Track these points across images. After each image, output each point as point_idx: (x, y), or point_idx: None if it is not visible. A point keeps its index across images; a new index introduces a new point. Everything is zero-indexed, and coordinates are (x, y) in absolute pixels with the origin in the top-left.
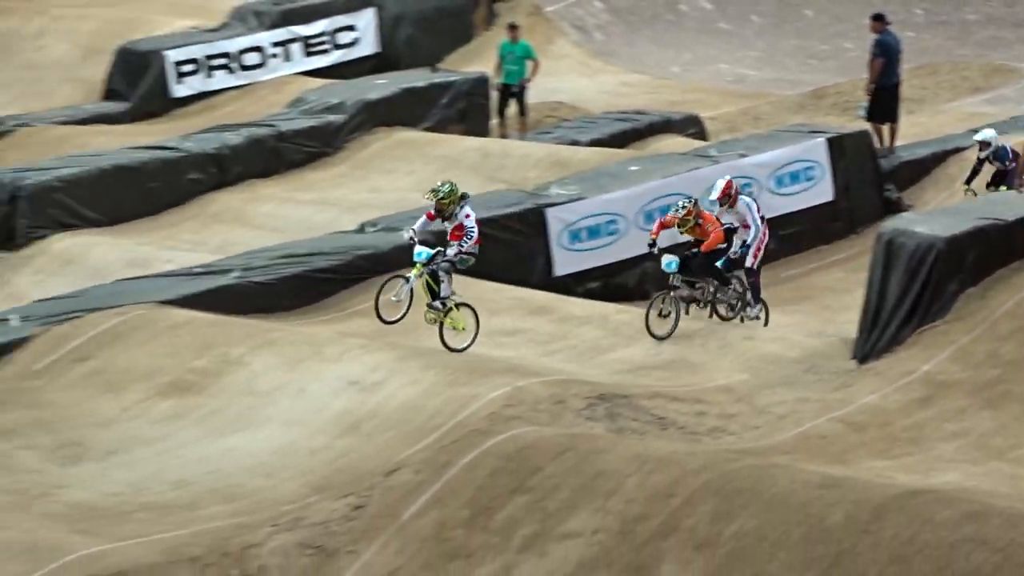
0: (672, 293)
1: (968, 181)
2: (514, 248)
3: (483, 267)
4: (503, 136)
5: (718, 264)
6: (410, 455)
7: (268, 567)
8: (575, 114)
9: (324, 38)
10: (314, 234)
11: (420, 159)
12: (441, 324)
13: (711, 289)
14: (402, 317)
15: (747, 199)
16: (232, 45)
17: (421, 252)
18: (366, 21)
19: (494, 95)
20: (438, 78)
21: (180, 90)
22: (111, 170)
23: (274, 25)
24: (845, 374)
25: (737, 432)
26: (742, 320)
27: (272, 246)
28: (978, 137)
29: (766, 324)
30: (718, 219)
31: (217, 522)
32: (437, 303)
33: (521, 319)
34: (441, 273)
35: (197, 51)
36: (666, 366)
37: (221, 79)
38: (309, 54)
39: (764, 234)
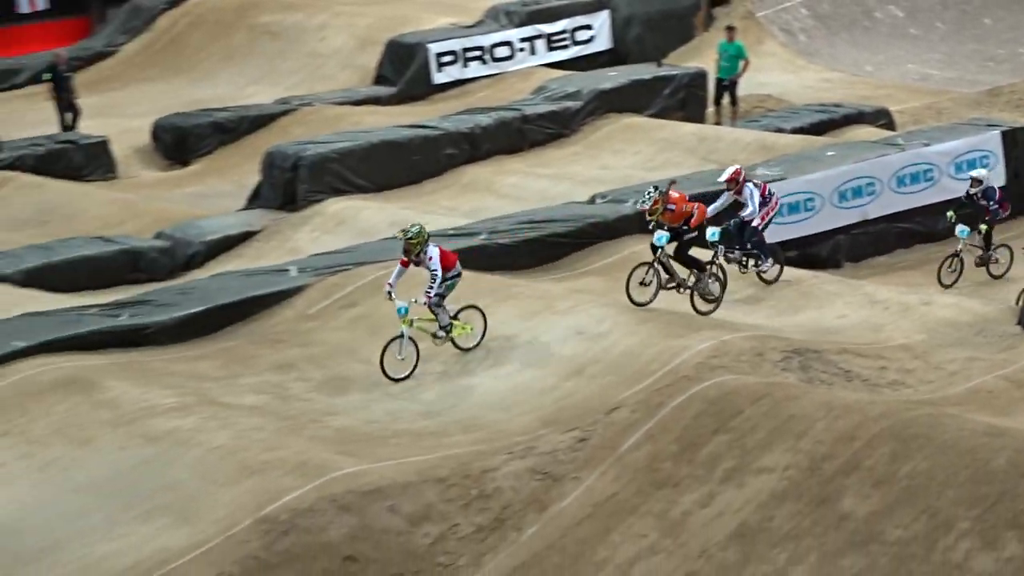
0: (655, 265)
1: (956, 210)
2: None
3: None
4: (717, 123)
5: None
6: (628, 396)
7: (503, 489)
8: (780, 105)
9: (565, 35)
10: (551, 204)
11: (644, 141)
12: (452, 340)
13: (691, 279)
14: (411, 372)
15: (751, 185)
16: (486, 40)
17: (401, 307)
18: (601, 21)
19: (711, 87)
20: (662, 71)
21: (440, 77)
22: (379, 144)
23: (522, 23)
24: (1011, 337)
25: (914, 385)
26: (760, 276)
27: (515, 213)
28: (973, 173)
29: (781, 272)
30: (682, 195)
31: (460, 449)
32: (440, 332)
33: (728, 281)
34: (433, 308)
35: (456, 44)
36: (852, 326)
37: (475, 69)
38: (551, 49)
39: (775, 204)
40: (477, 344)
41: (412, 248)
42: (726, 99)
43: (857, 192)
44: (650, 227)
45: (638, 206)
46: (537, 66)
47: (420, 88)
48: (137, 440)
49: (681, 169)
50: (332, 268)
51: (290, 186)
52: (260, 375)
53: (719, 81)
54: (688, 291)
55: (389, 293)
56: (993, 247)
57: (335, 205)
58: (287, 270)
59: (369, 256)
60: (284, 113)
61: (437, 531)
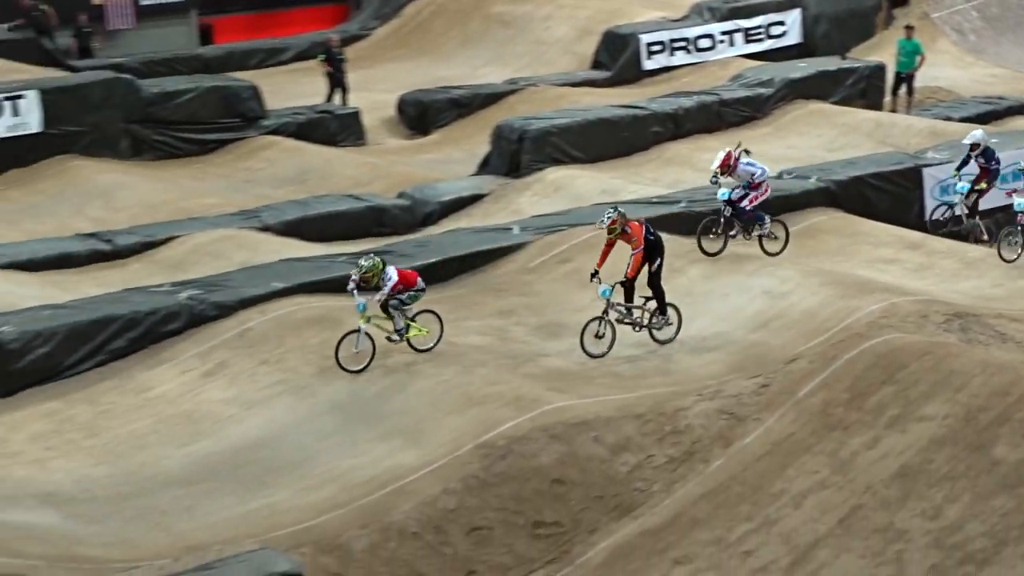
0: (607, 317)
1: (959, 168)
2: (896, 197)
3: (872, 210)
4: (893, 111)
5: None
6: (806, 349)
7: (693, 426)
8: (950, 97)
9: (760, 30)
10: None
11: (827, 125)
12: (408, 340)
13: (647, 315)
14: (368, 364)
15: (744, 161)
16: (690, 32)
17: (359, 304)
18: (793, 18)
19: (889, 79)
20: (846, 64)
21: (649, 64)
22: (594, 121)
23: (723, 18)
24: None
25: None
26: (760, 238)
27: (710, 185)
28: (967, 140)
29: (786, 242)
30: (640, 226)
31: (657, 389)
32: (395, 335)
33: (898, 251)
34: (391, 310)
35: (664, 36)
36: (1008, 295)
37: (680, 58)
38: (748, 41)
39: (765, 189)
40: (433, 346)
41: (370, 281)
42: (902, 90)
43: (1016, 175)
44: (594, 281)
45: (597, 225)
46: (735, 56)
47: (631, 73)
48: (377, 371)
49: (859, 150)
50: (550, 228)
51: (515, 156)
52: (484, 319)
53: (897, 74)
54: (643, 329)
55: (352, 290)
56: (978, 218)
57: (554, 173)
58: (511, 229)
59: (582, 219)
60: (512, 92)
61: (635, 460)
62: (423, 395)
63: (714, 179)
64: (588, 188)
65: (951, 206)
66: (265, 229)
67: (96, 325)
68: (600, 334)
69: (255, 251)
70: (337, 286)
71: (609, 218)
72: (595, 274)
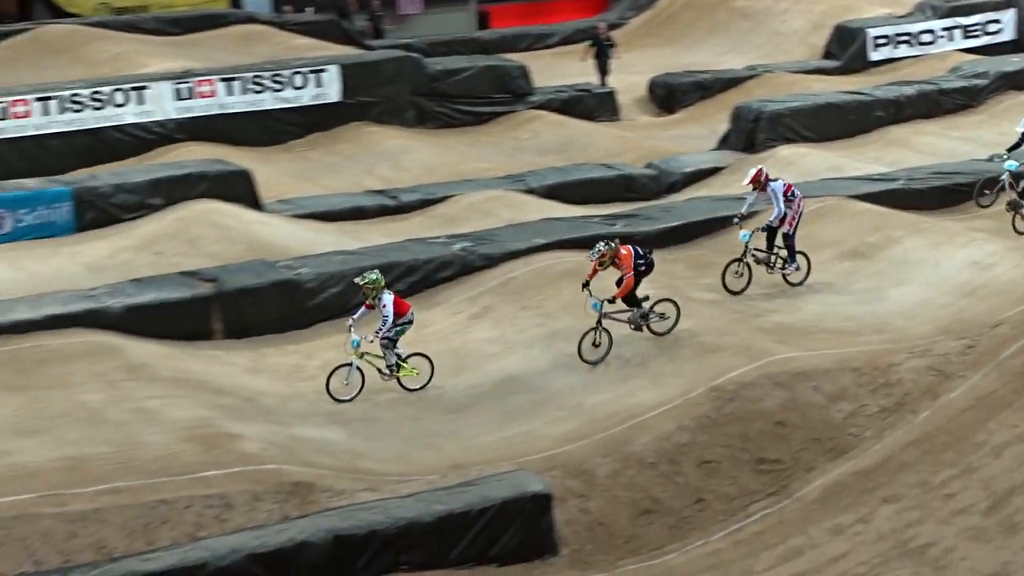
0: (601, 326)
1: (1010, 149)
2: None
3: None
4: None
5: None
6: (1010, 315)
7: (903, 380)
8: None
9: (977, 27)
10: (957, 160)
11: None
12: (398, 379)
13: (637, 316)
14: (357, 395)
15: (775, 184)
16: (913, 27)
17: (354, 340)
18: (1008, 17)
19: None
20: None
21: (875, 56)
22: (824, 105)
23: (944, 16)
24: None
25: None
26: (784, 277)
27: (926, 165)
28: (1020, 128)
29: (807, 275)
30: (630, 252)
31: (872, 346)
32: (386, 370)
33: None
34: (382, 348)
35: (889, 30)
36: None
37: (903, 50)
38: (966, 37)
39: (799, 205)
40: (422, 387)
41: (368, 293)
42: None
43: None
44: (587, 292)
45: (587, 258)
46: (953, 50)
47: (858, 63)
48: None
49: None
50: None
51: (752, 134)
52: (718, 278)
53: None
54: (638, 327)
55: (350, 327)
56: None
57: (785, 150)
58: (745, 198)
59: (809, 192)
60: (750, 77)
61: (849, 408)
62: (662, 343)
63: (736, 220)
64: (816, 164)
65: (998, 181)
66: (529, 192)
67: (381, 270)
68: (597, 343)
69: (520, 210)
70: (591, 244)
71: (599, 252)
72: (586, 284)
